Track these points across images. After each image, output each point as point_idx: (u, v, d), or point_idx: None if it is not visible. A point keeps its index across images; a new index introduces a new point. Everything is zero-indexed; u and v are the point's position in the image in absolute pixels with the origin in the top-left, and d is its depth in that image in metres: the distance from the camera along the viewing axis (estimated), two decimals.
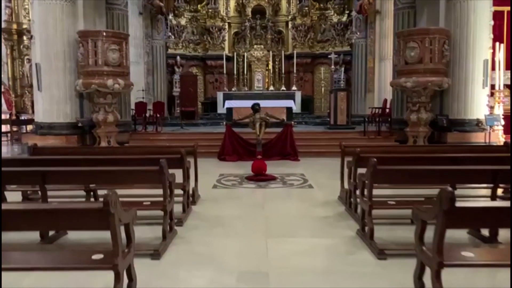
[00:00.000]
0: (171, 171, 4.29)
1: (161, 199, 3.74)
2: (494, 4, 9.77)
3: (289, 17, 17.08)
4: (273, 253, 3.53)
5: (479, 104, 9.44)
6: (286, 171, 7.59)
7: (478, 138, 9.26)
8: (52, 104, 9.58)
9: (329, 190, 5.89)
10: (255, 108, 7.66)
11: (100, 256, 2.44)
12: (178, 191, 4.64)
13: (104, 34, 9.32)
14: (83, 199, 4.67)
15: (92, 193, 4.62)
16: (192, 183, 5.27)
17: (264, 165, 6.99)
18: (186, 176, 4.64)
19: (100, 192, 4.78)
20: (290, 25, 17.04)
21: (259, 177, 6.83)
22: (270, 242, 3.77)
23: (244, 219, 4.53)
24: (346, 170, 5.24)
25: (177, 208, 4.51)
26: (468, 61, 9.30)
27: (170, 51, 16.13)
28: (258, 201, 5.43)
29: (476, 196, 5.09)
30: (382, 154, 4.51)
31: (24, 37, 14.98)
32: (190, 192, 5.06)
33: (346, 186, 5.16)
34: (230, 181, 6.78)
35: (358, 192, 4.48)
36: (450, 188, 2.13)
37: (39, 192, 3.72)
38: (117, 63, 9.38)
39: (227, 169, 8.00)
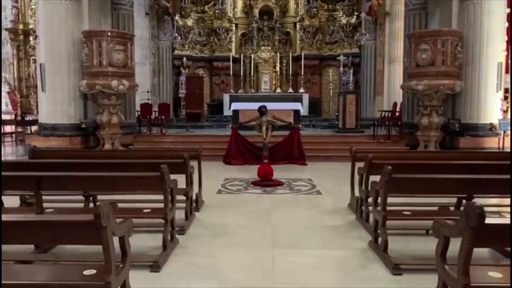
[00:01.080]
0: (173, 176, 4.09)
1: (162, 205, 3.53)
2: (507, 6, 9.52)
3: (297, 18, 16.86)
4: (280, 266, 3.29)
5: (492, 108, 9.19)
6: (293, 176, 7.36)
7: (491, 143, 9.01)
8: (55, 105, 9.47)
9: (338, 197, 5.65)
10: (262, 111, 7.47)
11: (93, 271, 2.24)
12: (181, 197, 4.45)
13: (109, 34, 9.19)
14: (82, 204, 4.48)
15: (91, 198, 4.43)
16: (196, 188, 5.06)
17: (270, 170, 6.77)
18: (189, 182, 4.43)
19: (100, 197, 4.60)
20: (298, 27, 16.82)
21: (265, 182, 6.60)
22: (277, 253, 3.53)
23: (249, 227, 4.30)
24: (356, 176, 5.00)
25: (180, 215, 4.31)
26: (482, 64, 9.04)
27: (176, 52, 15.98)
28: (264, 208, 5.20)
29: (490, 205, 4.83)
30: (395, 160, 4.27)
31: (30, 38, 14.90)
32: (194, 197, 4.85)
33: (356, 193, 4.92)
34: (235, 186, 6.56)
35: (370, 200, 4.25)
36: (478, 203, 1.90)
37: None
38: (122, 63, 9.23)
39: (232, 173, 7.79)
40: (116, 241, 2.31)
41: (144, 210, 3.57)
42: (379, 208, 3.44)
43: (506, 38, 9.52)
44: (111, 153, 5.55)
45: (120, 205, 4.85)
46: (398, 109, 11.72)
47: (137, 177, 3.45)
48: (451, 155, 4.75)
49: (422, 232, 3.93)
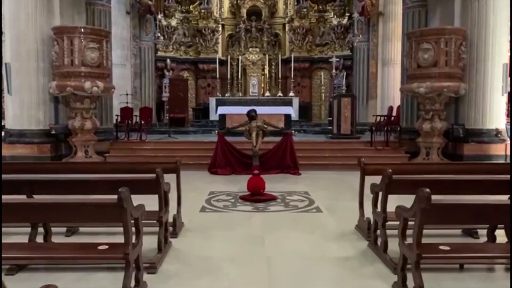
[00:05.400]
0: (144, 197, 3.26)
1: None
2: None
3: (287, 19, 16.16)
4: None
5: (498, 112, 8.58)
6: (287, 188, 6.55)
7: (498, 150, 8.42)
8: (22, 108, 8.62)
9: (341, 215, 4.84)
10: (251, 115, 6.70)
11: None
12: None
13: (82, 30, 8.38)
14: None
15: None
16: (173, 207, 4.19)
17: (262, 182, 5.90)
18: (163, 204, 3.56)
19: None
20: (287, 28, 16.13)
21: (256, 197, 5.76)
22: None
23: (239, 261, 3.42)
24: (366, 194, 4.20)
25: (152, 244, 3.45)
26: (487, 65, 8.43)
27: (159, 53, 15.16)
28: (257, 232, 4.32)
29: None
30: (416, 175, 3.48)
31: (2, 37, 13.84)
32: (170, 220, 3.99)
33: (367, 213, 4.13)
34: (221, 202, 5.69)
35: (388, 224, 3.46)
36: None
37: None
38: (96, 63, 8.41)
39: (219, 184, 6.95)
40: None
41: (100, 247, 2.68)
42: (410, 242, 2.63)
43: (510, 37, 8.90)
44: (73, 166, 4.66)
45: (75, 234, 4.02)
46: (394, 114, 11.04)
47: (88, 205, 2.57)
48: (479, 167, 3.99)
49: (455, 267, 3.14)
